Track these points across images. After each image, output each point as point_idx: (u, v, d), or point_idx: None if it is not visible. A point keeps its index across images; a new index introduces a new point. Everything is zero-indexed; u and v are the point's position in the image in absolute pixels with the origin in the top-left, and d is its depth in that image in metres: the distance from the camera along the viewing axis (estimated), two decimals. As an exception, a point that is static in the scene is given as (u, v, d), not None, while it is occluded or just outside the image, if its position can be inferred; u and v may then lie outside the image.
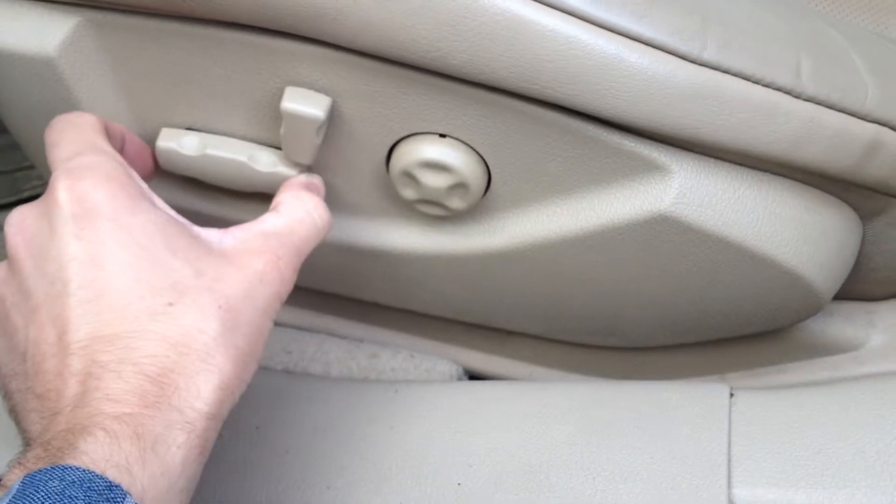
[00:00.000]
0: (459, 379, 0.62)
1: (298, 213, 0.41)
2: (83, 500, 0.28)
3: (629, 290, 0.49)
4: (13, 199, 0.74)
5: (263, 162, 0.46)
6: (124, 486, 0.29)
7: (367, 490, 0.42)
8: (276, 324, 0.61)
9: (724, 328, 0.51)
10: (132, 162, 0.44)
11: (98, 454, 0.30)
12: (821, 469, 0.38)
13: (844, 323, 0.53)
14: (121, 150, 0.43)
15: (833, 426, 0.40)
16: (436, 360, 0.62)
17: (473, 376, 0.63)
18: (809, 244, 0.45)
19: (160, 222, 0.36)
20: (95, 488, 0.28)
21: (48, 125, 0.40)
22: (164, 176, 0.50)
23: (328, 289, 0.58)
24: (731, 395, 0.43)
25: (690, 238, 0.44)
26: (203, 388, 0.33)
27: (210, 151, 0.47)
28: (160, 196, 0.49)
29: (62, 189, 0.36)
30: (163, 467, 0.31)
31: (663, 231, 0.44)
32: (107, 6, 0.43)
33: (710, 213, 0.43)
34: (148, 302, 0.34)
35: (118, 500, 0.29)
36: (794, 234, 0.44)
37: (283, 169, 0.46)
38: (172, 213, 0.39)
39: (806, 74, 0.41)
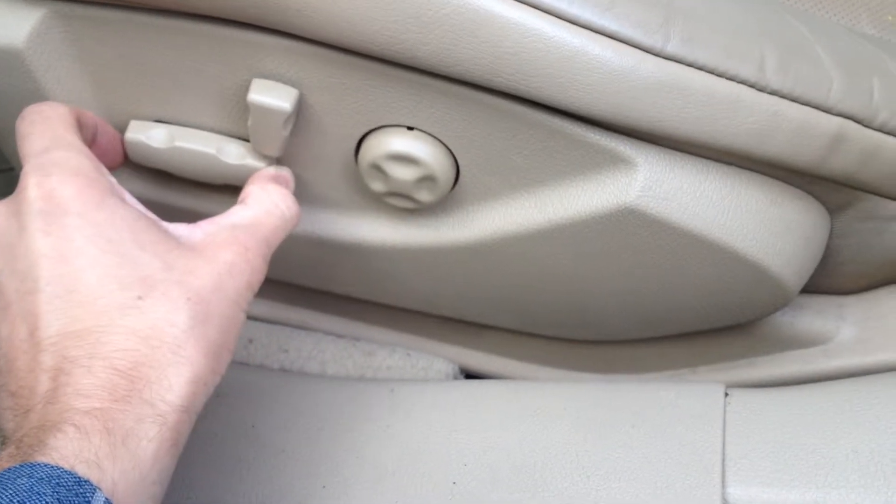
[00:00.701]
0: (455, 378, 0.62)
1: (266, 204, 0.41)
2: (51, 496, 0.28)
3: (598, 282, 0.49)
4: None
5: (232, 154, 0.47)
6: (94, 480, 0.29)
7: (363, 489, 0.42)
8: (273, 322, 0.63)
9: (694, 321, 0.51)
10: (104, 152, 0.44)
11: (67, 450, 0.30)
12: (815, 469, 0.38)
13: (814, 316, 0.53)
14: (93, 140, 0.43)
15: (827, 426, 0.40)
16: (432, 358, 0.62)
17: (470, 375, 0.64)
18: (775, 237, 0.45)
19: (129, 217, 0.36)
20: (64, 484, 0.29)
21: (20, 115, 0.40)
22: (134, 168, 0.50)
23: (301, 282, 0.58)
24: (726, 394, 0.43)
25: (656, 231, 0.44)
26: (175, 380, 0.33)
27: (179, 144, 0.47)
28: (130, 188, 0.49)
29: (31, 186, 0.36)
30: (134, 461, 0.31)
31: (629, 224, 0.44)
32: (73, -2, 0.43)
33: (675, 205, 0.43)
34: (117, 296, 0.34)
35: (87, 495, 0.29)
36: (760, 227, 0.44)
37: (251, 161, 0.46)
38: (141, 208, 0.39)
39: (770, 68, 0.41)
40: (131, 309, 0.34)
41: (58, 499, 0.28)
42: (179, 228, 0.38)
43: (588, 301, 0.51)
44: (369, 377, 0.60)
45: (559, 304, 0.52)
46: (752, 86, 0.41)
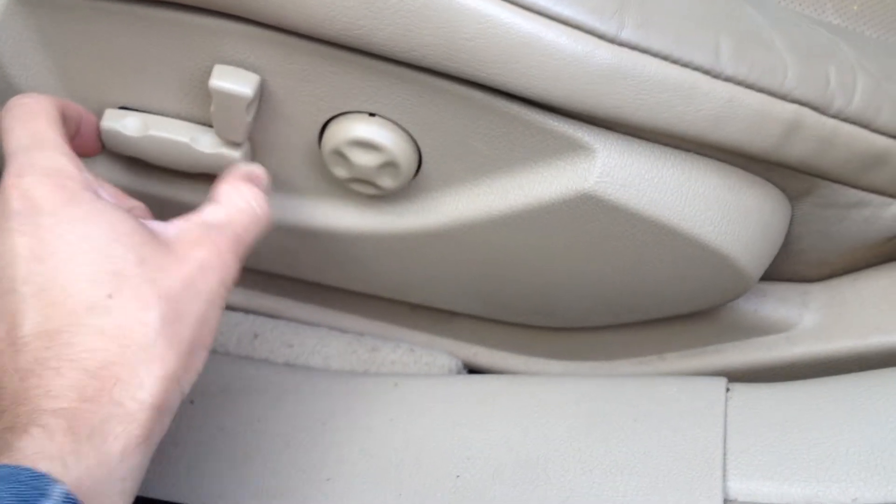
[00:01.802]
0: (458, 372, 0.62)
1: (238, 203, 0.41)
2: (5, 491, 0.28)
3: (560, 269, 0.49)
4: None
5: (205, 143, 0.47)
6: (55, 475, 0.30)
7: (367, 482, 0.43)
8: (277, 317, 0.63)
9: (657, 308, 0.52)
10: (86, 142, 0.45)
11: (30, 449, 0.30)
12: (815, 463, 0.39)
13: (778, 303, 0.54)
14: (76, 131, 0.43)
15: (828, 421, 0.40)
16: (435, 353, 0.63)
17: (473, 370, 0.64)
18: (733, 224, 0.45)
19: (103, 210, 0.36)
20: (21, 479, 0.29)
21: (4, 106, 0.40)
22: (111, 156, 0.50)
23: (270, 269, 0.58)
24: (728, 389, 0.43)
25: (615, 217, 0.44)
26: (146, 378, 0.34)
27: (152, 132, 0.47)
28: (106, 176, 0.50)
29: (8, 186, 0.36)
30: (99, 458, 0.32)
31: (588, 210, 0.44)
32: (36, -16, 0.43)
33: (634, 192, 0.44)
34: (88, 294, 0.34)
35: (44, 488, 0.29)
36: (717, 214, 0.45)
37: (224, 150, 0.46)
38: (122, 202, 0.40)
39: (725, 54, 0.41)
40: (101, 308, 0.34)
41: (14, 493, 0.28)
42: (153, 224, 0.39)
43: (552, 288, 0.51)
44: (373, 372, 0.61)
45: (524, 291, 0.53)
46: (706, 72, 0.41)
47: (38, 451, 0.30)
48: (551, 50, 0.40)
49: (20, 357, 0.33)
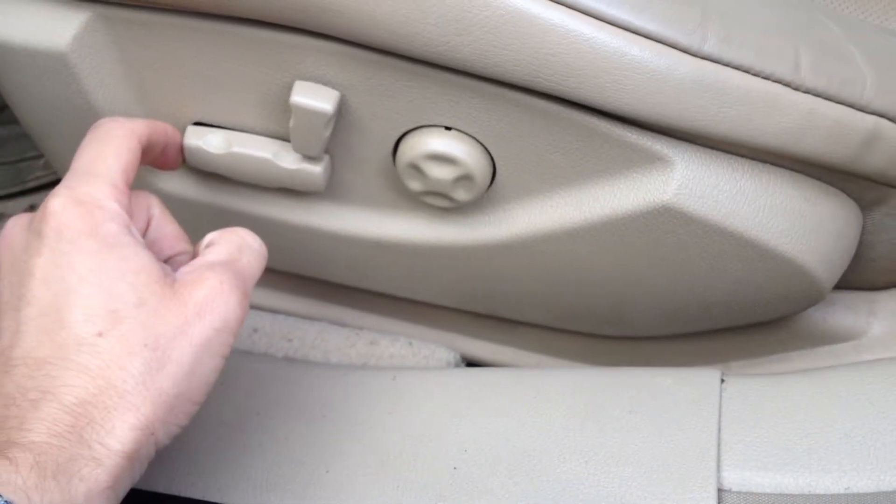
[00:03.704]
0: (456, 366, 0.63)
1: (237, 241, 0.40)
2: None
3: (632, 279, 0.50)
4: (17, 189, 0.75)
5: (287, 159, 0.47)
6: None
7: (366, 474, 0.43)
8: (277, 312, 0.64)
9: (727, 317, 0.52)
10: (168, 158, 0.45)
11: None
12: (808, 453, 0.39)
13: (845, 312, 0.54)
14: (161, 153, 0.44)
15: (821, 411, 0.41)
16: (434, 347, 0.63)
17: (471, 363, 0.64)
18: (809, 234, 0.46)
19: (118, 245, 0.36)
20: None
21: (96, 122, 0.41)
22: (189, 170, 0.51)
23: (335, 279, 0.59)
24: (722, 380, 0.44)
25: (692, 229, 0.45)
26: (118, 425, 0.33)
27: (235, 149, 0.47)
28: (184, 191, 0.50)
29: (45, 205, 0.37)
30: (63, 497, 0.31)
31: (665, 222, 0.45)
32: (117, 1, 0.44)
33: (712, 203, 0.44)
34: (79, 329, 0.34)
35: None
36: (794, 225, 0.45)
37: (306, 166, 0.47)
38: (170, 244, 0.40)
39: (805, 66, 0.42)
40: (88, 346, 0.34)
41: None
42: (165, 267, 0.38)
43: (622, 298, 0.52)
44: (372, 365, 0.61)
45: (593, 301, 0.53)
46: (787, 85, 0.41)
47: (3, 482, 0.30)
48: (635, 64, 0.40)
49: (7, 381, 0.33)
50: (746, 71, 0.41)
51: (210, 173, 0.50)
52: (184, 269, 0.38)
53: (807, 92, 0.42)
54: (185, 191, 0.52)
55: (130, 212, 0.38)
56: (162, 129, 0.44)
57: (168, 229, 0.42)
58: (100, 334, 0.34)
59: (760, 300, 0.49)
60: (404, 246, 0.52)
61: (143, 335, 0.35)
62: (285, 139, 0.47)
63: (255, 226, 0.52)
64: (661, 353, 0.59)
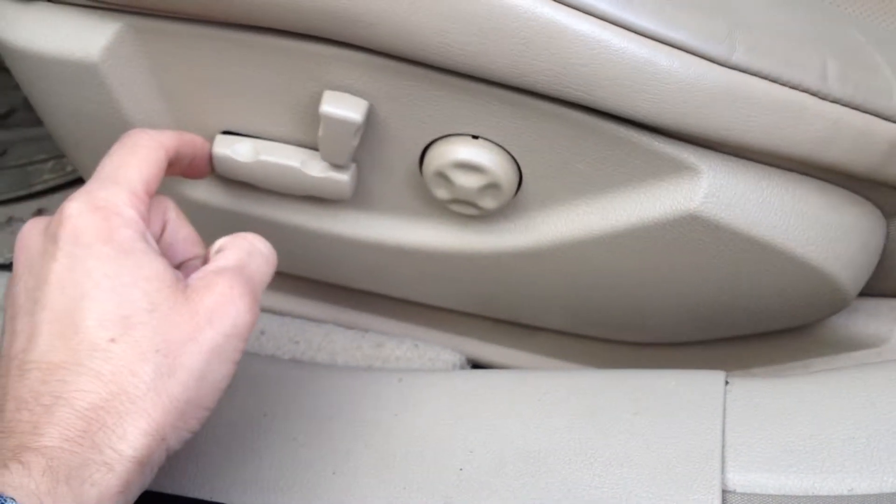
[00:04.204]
0: (462, 368, 0.63)
1: (246, 247, 0.40)
2: None
3: (656, 287, 0.50)
4: (24, 192, 0.76)
5: (315, 167, 0.48)
6: None
7: (372, 475, 0.43)
8: (284, 314, 0.64)
9: (750, 324, 0.52)
10: (197, 166, 0.46)
11: (8, 485, 0.31)
12: (812, 454, 0.39)
13: (869, 319, 0.54)
14: (189, 164, 0.44)
15: (825, 413, 0.41)
16: (439, 349, 0.63)
17: (476, 365, 0.65)
18: (834, 242, 0.46)
19: (133, 251, 0.37)
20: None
21: (125, 133, 0.41)
22: (217, 179, 0.52)
23: (358, 286, 0.59)
24: (727, 382, 0.44)
25: (718, 237, 0.45)
26: (130, 430, 0.34)
27: (263, 157, 0.48)
28: (213, 199, 0.50)
29: (61, 209, 0.37)
30: (75, 501, 0.32)
31: (692, 230, 0.45)
32: (148, 12, 0.44)
33: (738, 212, 0.44)
34: (93, 334, 0.34)
35: None
36: (820, 233, 0.45)
37: (334, 174, 0.47)
38: (184, 249, 0.41)
39: (832, 76, 0.42)
40: (101, 351, 0.34)
41: None
42: (177, 273, 0.38)
43: (645, 304, 0.52)
44: (378, 367, 0.61)
45: (616, 308, 0.53)
46: (814, 94, 0.42)
47: (16, 486, 0.31)
48: (664, 74, 0.40)
49: (21, 384, 0.34)
50: (774, 80, 0.41)
51: (236, 181, 0.50)
52: (194, 276, 0.38)
53: (834, 101, 0.42)
54: (212, 198, 0.52)
55: (147, 219, 0.39)
56: (190, 141, 0.44)
57: (183, 233, 0.42)
58: (112, 340, 0.34)
59: (785, 307, 0.49)
60: (429, 253, 0.52)
61: (154, 341, 0.35)
62: (312, 147, 0.48)
63: (280, 233, 0.52)
64: (683, 359, 0.60)
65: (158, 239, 0.41)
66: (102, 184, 0.38)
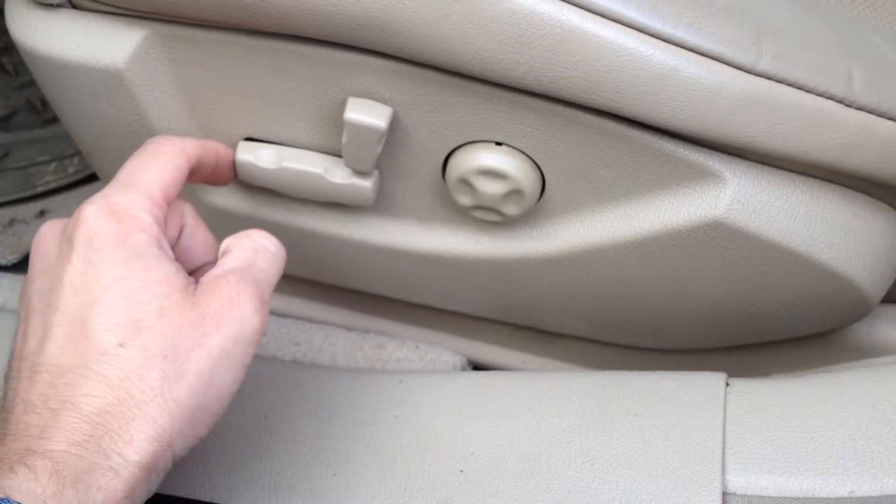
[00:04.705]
0: (463, 369, 0.63)
1: (252, 245, 0.40)
2: None
3: (679, 293, 0.50)
4: (27, 193, 0.76)
5: (338, 174, 0.48)
6: None
7: (373, 476, 0.43)
8: (284, 315, 0.65)
9: (773, 331, 0.52)
10: (220, 173, 0.46)
11: (14, 488, 0.31)
12: (812, 456, 0.39)
13: (890, 326, 0.54)
14: (211, 172, 0.44)
15: (825, 414, 0.41)
16: (440, 350, 0.63)
17: (477, 367, 0.65)
18: (858, 249, 0.46)
19: (144, 255, 0.36)
20: None
21: (148, 139, 0.41)
22: (240, 185, 0.52)
23: (378, 292, 0.59)
24: (727, 384, 0.44)
25: (743, 243, 0.45)
26: (136, 436, 0.33)
27: (286, 164, 0.48)
28: (235, 206, 0.51)
29: (80, 214, 0.37)
30: None
31: (716, 237, 0.45)
32: (174, 19, 0.44)
33: (763, 218, 0.44)
34: (102, 338, 0.34)
35: None
36: (844, 239, 0.45)
37: (357, 180, 0.47)
38: (202, 253, 0.41)
39: (857, 83, 0.42)
40: (109, 356, 0.34)
41: None
42: (189, 278, 0.38)
43: (668, 311, 0.52)
44: (379, 369, 0.61)
45: (638, 314, 0.53)
46: (840, 101, 0.42)
47: (23, 490, 0.31)
48: (690, 81, 0.40)
49: (31, 387, 0.34)
50: (800, 88, 0.41)
51: (258, 188, 0.50)
52: (203, 279, 0.38)
53: (859, 109, 0.42)
54: (234, 205, 0.52)
55: (164, 224, 0.39)
56: (213, 149, 0.44)
57: (199, 238, 0.42)
58: (121, 345, 0.34)
59: (807, 314, 0.49)
60: (451, 259, 0.52)
61: (162, 346, 0.35)
62: (335, 154, 0.48)
63: (302, 239, 0.53)
64: (703, 366, 0.59)
65: (175, 244, 0.41)
66: (120, 188, 0.38)
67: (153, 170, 0.39)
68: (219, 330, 0.36)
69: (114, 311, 0.35)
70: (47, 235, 0.38)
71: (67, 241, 0.37)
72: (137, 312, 0.35)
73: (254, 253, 0.40)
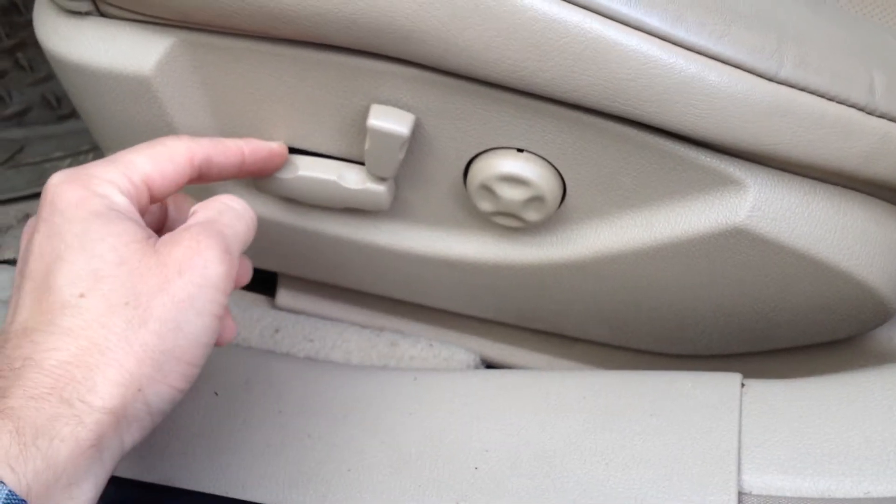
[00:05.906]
0: (476, 367, 0.64)
1: (217, 205, 0.40)
2: None
3: (700, 300, 0.50)
4: (40, 189, 0.76)
5: (352, 180, 0.48)
6: (6, 482, 0.30)
7: (386, 473, 0.43)
8: (300, 312, 0.65)
9: (792, 337, 0.52)
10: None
11: None
12: (828, 457, 0.39)
13: (910, 332, 0.54)
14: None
15: (841, 415, 0.41)
16: (454, 348, 0.64)
17: (490, 365, 0.65)
18: (878, 256, 0.46)
19: (102, 211, 0.37)
20: None
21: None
22: (253, 190, 0.52)
23: (397, 296, 0.60)
24: (743, 384, 0.44)
25: (763, 250, 0.45)
26: (100, 381, 0.33)
27: (302, 173, 0.48)
28: (254, 210, 0.51)
29: (47, 183, 0.38)
30: (46, 461, 0.31)
31: (737, 243, 0.45)
32: (201, 27, 0.45)
33: (784, 225, 0.44)
34: (64, 293, 0.35)
35: None
36: (865, 246, 0.45)
37: (371, 185, 0.48)
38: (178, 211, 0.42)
39: (879, 91, 0.42)
40: (70, 308, 0.34)
41: None
42: (150, 231, 0.38)
43: (689, 317, 0.52)
44: (393, 366, 0.62)
45: (659, 320, 0.53)
46: (861, 109, 0.42)
47: None
48: (712, 89, 0.40)
49: (1, 355, 0.34)
50: (822, 95, 0.41)
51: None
52: (165, 236, 0.38)
53: (881, 116, 0.42)
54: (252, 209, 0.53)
55: (139, 206, 0.39)
56: (235, 149, 0.44)
57: (181, 199, 0.43)
58: (82, 295, 0.34)
59: (827, 320, 0.50)
60: (471, 265, 0.53)
61: (124, 293, 0.35)
62: (354, 159, 0.48)
63: (321, 244, 0.53)
64: (721, 371, 0.60)
65: (160, 231, 0.42)
66: (100, 162, 0.39)
67: (143, 156, 0.40)
68: (181, 276, 0.36)
69: (73, 266, 0.35)
70: (31, 219, 0.39)
71: (38, 212, 0.37)
72: (96, 263, 0.35)
73: (218, 212, 0.40)
